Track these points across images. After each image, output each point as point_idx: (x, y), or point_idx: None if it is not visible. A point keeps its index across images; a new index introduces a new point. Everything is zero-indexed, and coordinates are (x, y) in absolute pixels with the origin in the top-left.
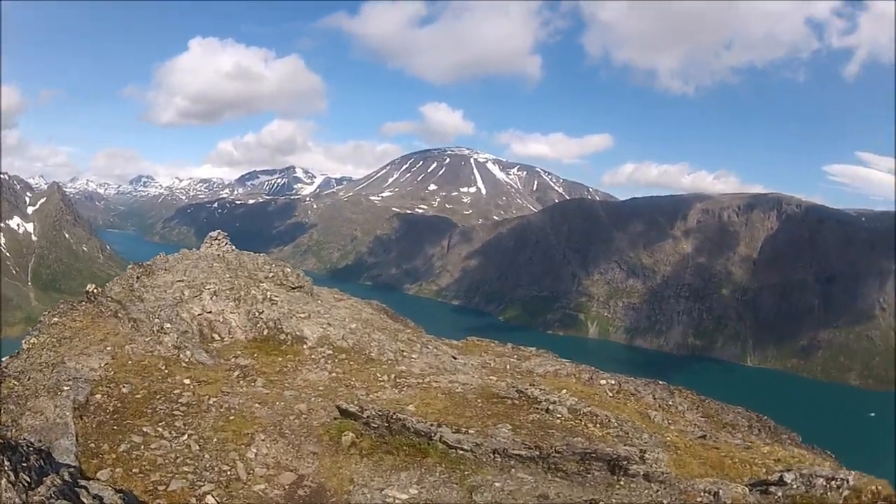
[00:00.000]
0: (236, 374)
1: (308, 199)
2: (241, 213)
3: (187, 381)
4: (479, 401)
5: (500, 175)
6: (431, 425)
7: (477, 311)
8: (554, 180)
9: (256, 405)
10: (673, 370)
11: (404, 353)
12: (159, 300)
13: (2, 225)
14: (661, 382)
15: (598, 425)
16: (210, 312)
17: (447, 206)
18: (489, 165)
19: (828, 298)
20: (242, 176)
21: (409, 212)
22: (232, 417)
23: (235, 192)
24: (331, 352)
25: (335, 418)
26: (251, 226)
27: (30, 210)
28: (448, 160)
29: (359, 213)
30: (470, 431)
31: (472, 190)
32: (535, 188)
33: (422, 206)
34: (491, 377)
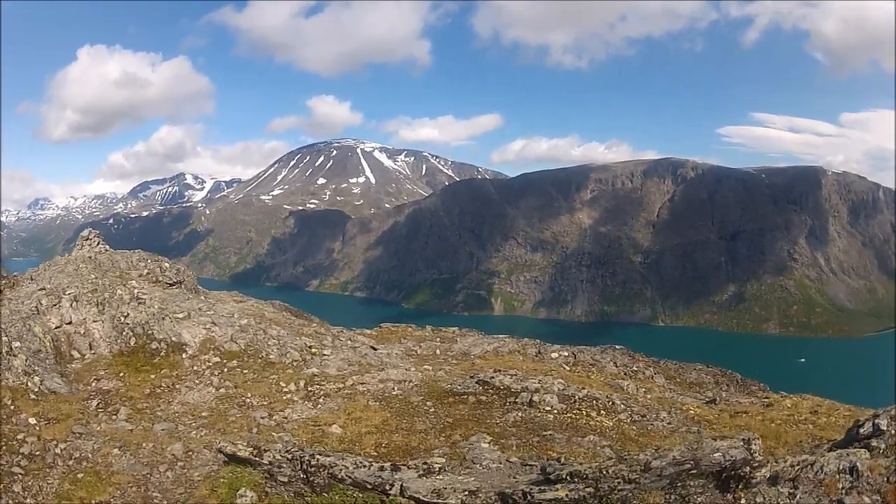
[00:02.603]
0: (95, 403)
1: (200, 205)
2: (138, 228)
3: (33, 421)
4: (428, 404)
5: (388, 163)
6: (381, 468)
7: (382, 301)
8: (442, 163)
9: (115, 451)
10: (589, 337)
11: (313, 351)
12: (13, 314)
13: None
14: (618, 347)
15: (604, 413)
16: (70, 323)
17: (338, 198)
18: (376, 154)
19: (734, 254)
20: (134, 188)
21: (300, 208)
22: (81, 475)
23: (129, 206)
24: (217, 359)
25: (225, 462)
26: (148, 239)
27: None
28: (335, 152)
29: (251, 215)
30: (440, 460)
31: (361, 180)
32: (423, 173)
33: (313, 200)
34: (426, 367)
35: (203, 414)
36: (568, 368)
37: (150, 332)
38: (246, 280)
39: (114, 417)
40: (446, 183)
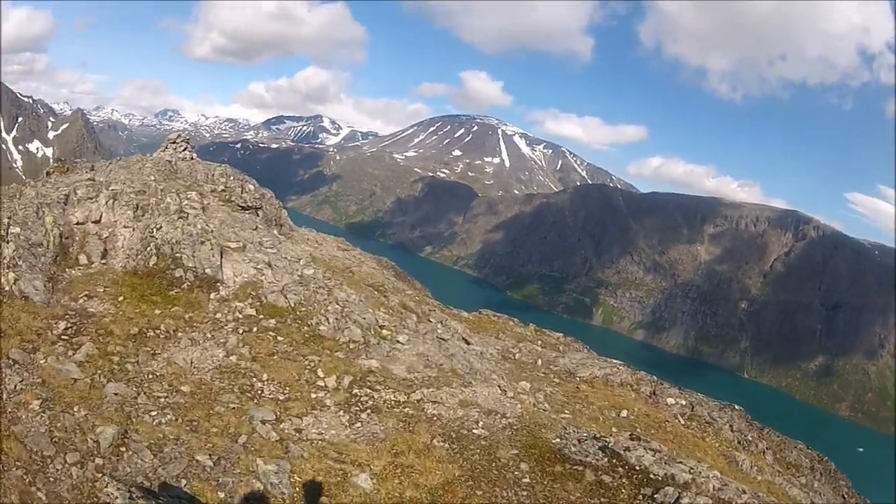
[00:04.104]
0: (62, 326)
1: (332, 149)
2: (265, 158)
3: None
4: (522, 467)
5: (526, 150)
6: None
7: (490, 283)
8: (578, 162)
9: (34, 404)
10: (682, 373)
11: (384, 333)
12: (39, 198)
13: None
14: (736, 408)
15: None
16: (97, 222)
17: (469, 173)
18: (516, 139)
19: (831, 325)
20: (269, 119)
21: (430, 174)
22: None
23: (260, 135)
24: (252, 311)
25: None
26: (273, 171)
27: (51, 135)
28: (476, 128)
29: (380, 170)
30: None
31: (496, 161)
32: (558, 167)
33: (444, 170)
34: (523, 384)
35: (184, 388)
36: (683, 422)
37: (178, 255)
38: (361, 232)
39: (69, 354)
40: (578, 183)
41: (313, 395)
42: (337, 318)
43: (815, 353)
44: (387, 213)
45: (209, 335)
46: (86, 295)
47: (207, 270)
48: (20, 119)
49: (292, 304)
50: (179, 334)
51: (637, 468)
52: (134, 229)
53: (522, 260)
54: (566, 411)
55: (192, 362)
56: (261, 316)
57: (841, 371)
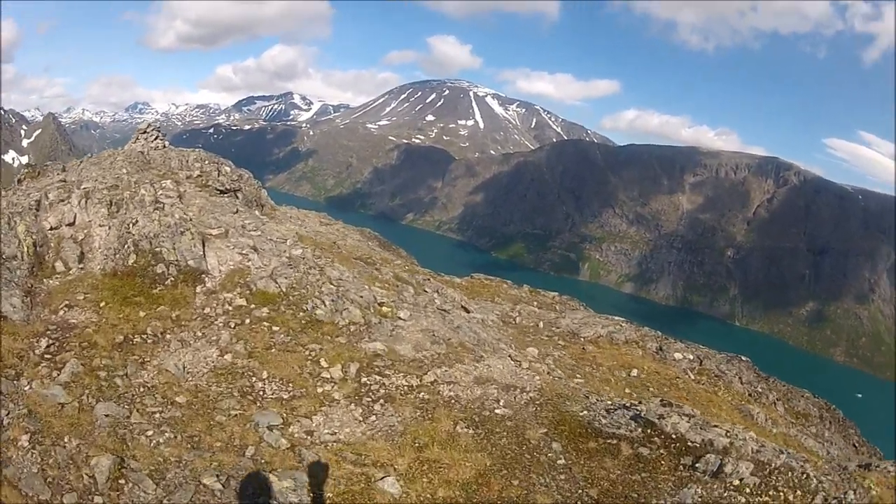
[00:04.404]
0: (45, 344)
1: (304, 125)
2: (239, 141)
3: None
4: (554, 447)
5: (499, 110)
6: None
7: (474, 246)
8: (553, 119)
9: (23, 440)
10: (674, 323)
11: (384, 311)
12: (10, 207)
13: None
14: (743, 359)
15: (799, 493)
16: (71, 224)
17: (444, 137)
18: (488, 100)
19: (819, 270)
20: (239, 101)
21: (405, 142)
22: None
23: (232, 118)
24: (243, 301)
25: None
26: (248, 152)
27: (25, 143)
28: (447, 92)
29: (355, 141)
30: None
31: (470, 123)
32: (532, 126)
33: (419, 136)
34: (533, 356)
35: (179, 399)
36: (693, 377)
37: (157, 249)
38: (341, 205)
39: (53, 375)
40: (554, 139)
41: (320, 390)
42: (333, 300)
43: (805, 298)
44: (365, 184)
45: (199, 333)
46: (66, 305)
47: (190, 262)
48: None
49: (284, 289)
50: (168, 336)
51: (674, 436)
52: (110, 227)
53: (504, 220)
54: (578, 376)
55: (184, 367)
56: (252, 305)
57: (832, 316)
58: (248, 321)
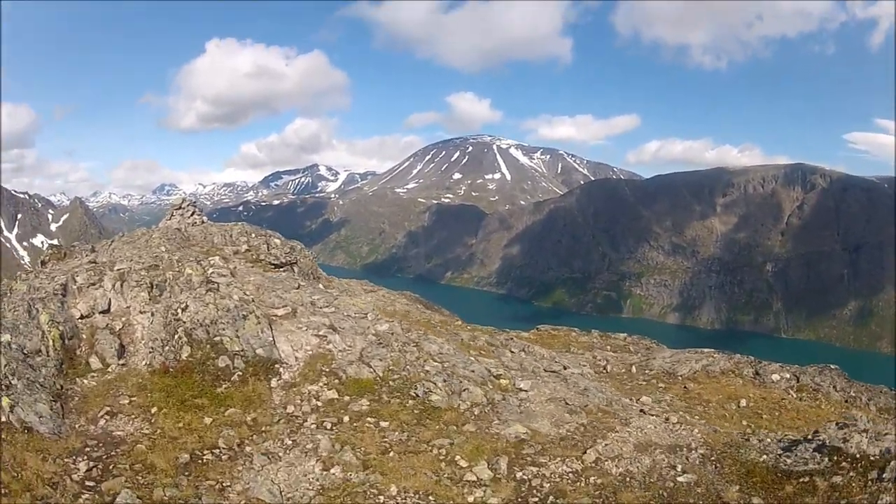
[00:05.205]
0: (83, 468)
1: (334, 195)
2: (270, 216)
3: None
4: (754, 501)
5: (524, 160)
6: None
7: (515, 297)
8: (578, 162)
9: None
10: (722, 346)
11: (502, 383)
12: (32, 292)
13: (25, 243)
14: (832, 367)
15: None
16: (105, 312)
17: (473, 193)
18: (512, 151)
19: (856, 267)
20: (266, 177)
21: (435, 202)
22: None
23: (260, 194)
24: (333, 393)
25: None
26: (280, 226)
27: (53, 227)
28: (471, 148)
29: (385, 207)
30: None
31: (497, 176)
32: (559, 171)
33: (448, 195)
34: (647, 402)
35: None
36: (794, 395)
37: (216, 338)
38: (378, 271)
39: None
40: (581, 182)
41: (471, 499)
42: (445, 380)
43: (846, 298)
44: (400, 248)
45: (289, 441)
46: (107, 412)
47: (259, 351)
48: (19, 216)
49: (381, 373)
50: (248, 449)
51: (857, 455)
52: (153, 314)
53: (542, 268)
54: (694, 416)
55: (281, 492)
56: (346, 397)
57: (876, 309)
58: (346, 419)
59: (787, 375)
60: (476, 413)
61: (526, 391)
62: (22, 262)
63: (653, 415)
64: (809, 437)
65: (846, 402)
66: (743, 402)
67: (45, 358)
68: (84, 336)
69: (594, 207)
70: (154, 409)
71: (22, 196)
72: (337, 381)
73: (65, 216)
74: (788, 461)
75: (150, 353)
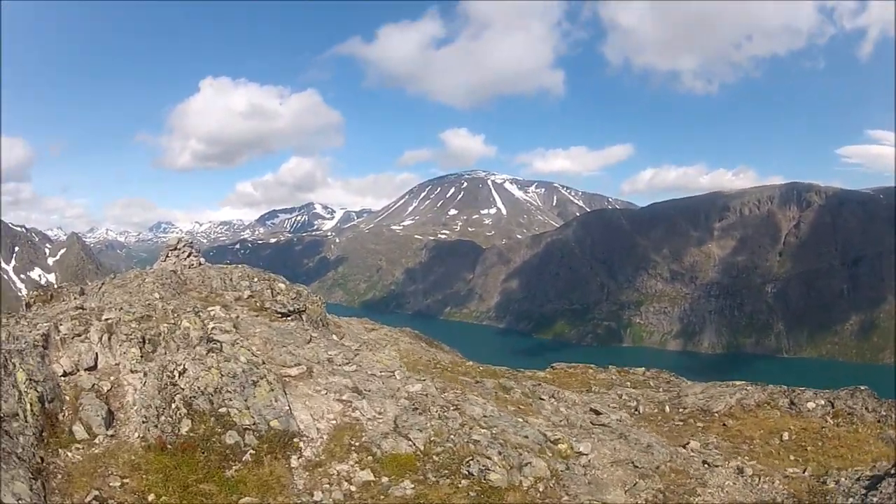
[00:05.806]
0: None
1: (330, 233)
2: (267, 254)
3: None
4: None
5: (519, 194)
6: None
7: (514, 331)
8: (573, 194)
9: None
10: (725, 371)
11: (561, 448)
12: (10, 341)
13: (22, 276)
14: (863, 388)
15: None
16: (90, 369)
17: (469, 229)
18: (507, 185)
19: (856, 281)
20: (262, 216)
21: (431, 238)
22: None
23: (256, 232)
24: (368, 474)
25: None
26: (277, 265)
27: (50, 261)
28: (465, 184)
29: (382, 244)
30: None
31: (493, 211)
32: (554, 203)
33: (444, 231)
34: (695, 449)
35: None
36: (832, 421)
37: (222, 409)
38: (376, 308)
39: None
40: (577, 213)
41: None
42: (500, 451)
43: (847, 312)
44: (398, 285)
45: None
46: (96, 498)
47: (274, 423)
48: (17, 249)
49: (422, 447)
50: None
51: None
52: (145, 374)
53: (541, 301)
54: (744, 458)
55: None
56: (384, 479)
57: (877, 321)
58: None
59: (822, 402)
60: (541, 490)
61: (586, 455)
62: (20, 294)
63: (717, 466)
64: (881, 472)
65: (879, 421)
66: (785, 436)
67: (23, 424)
68: (67, 398)
69: (591, 239)
70: (151, 497)
71: (19, 229)
72: (370, 457)
73: (62, 251)
74: (874, 500)
75: (143, 423)
